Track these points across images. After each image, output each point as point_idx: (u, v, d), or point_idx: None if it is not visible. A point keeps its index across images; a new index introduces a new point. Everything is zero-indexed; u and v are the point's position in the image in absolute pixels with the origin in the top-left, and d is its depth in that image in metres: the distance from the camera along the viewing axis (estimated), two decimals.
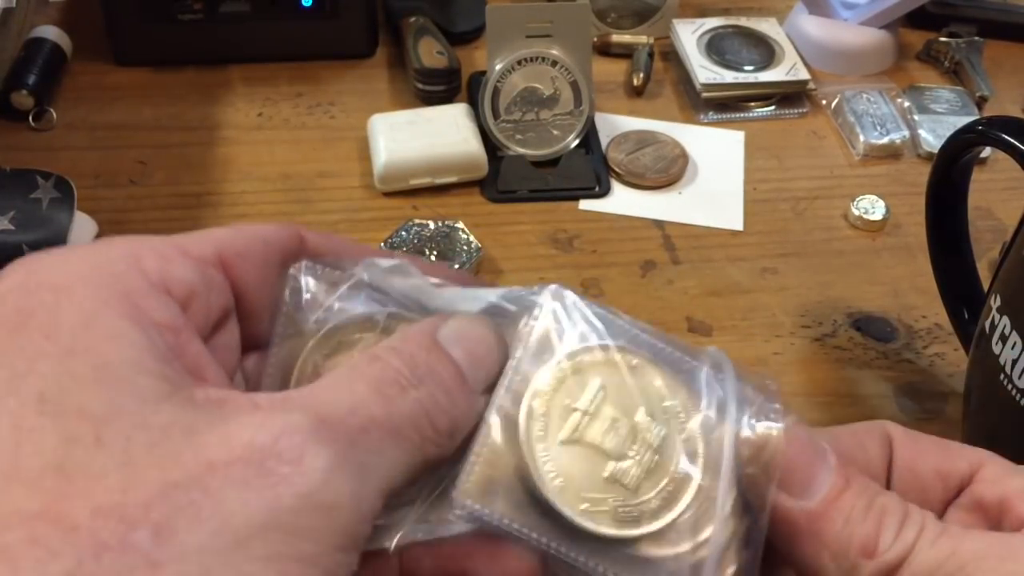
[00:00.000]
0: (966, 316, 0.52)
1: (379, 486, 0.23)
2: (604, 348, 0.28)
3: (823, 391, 0.55)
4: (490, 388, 0.27)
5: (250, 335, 0.28)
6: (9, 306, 0.23)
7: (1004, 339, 0.43)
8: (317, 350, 0.28)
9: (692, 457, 0.27)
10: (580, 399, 0.27)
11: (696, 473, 0.27)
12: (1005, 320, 0.43)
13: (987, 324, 0.45)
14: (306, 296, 0.28)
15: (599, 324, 0.28)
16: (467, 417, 0.26)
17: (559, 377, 0.27)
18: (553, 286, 0.28)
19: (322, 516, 0.21)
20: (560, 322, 0.28)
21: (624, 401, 0.27)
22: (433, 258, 0.60)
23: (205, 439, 0.21)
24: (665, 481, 0.27)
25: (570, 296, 0.28)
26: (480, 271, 0.60)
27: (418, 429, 0.24)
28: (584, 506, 0.26)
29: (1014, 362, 0.42)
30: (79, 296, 0.23)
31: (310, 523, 0.21)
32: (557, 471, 0.26)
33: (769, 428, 0.27)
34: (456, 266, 0.59)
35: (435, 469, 0.26)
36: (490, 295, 0.28)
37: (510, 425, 0.27)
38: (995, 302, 0.44)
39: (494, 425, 0.26)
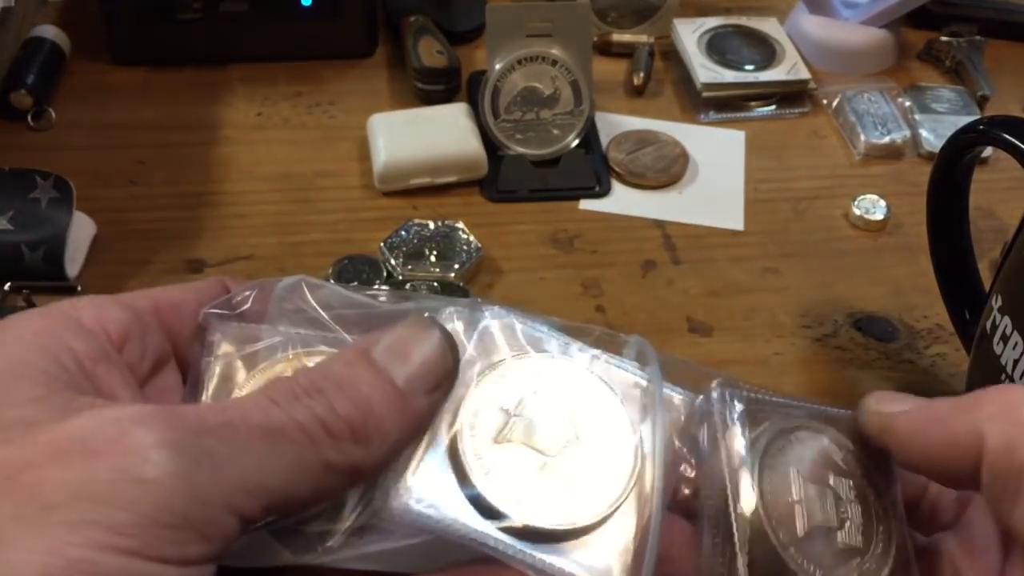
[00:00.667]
0: (967, 316, 0.52)
1: (238, 477, 0.23)
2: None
3: (824, 391, 0.55)
4: (442, 389, 0.27)
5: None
6: None
7: (1005, 339, 0.43)
8: (223, 385, 0.29)
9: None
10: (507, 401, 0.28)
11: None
12: (1006, 320, 0.43)
13: (988, 324, 0.45)
14: (216, 342, 0.29)
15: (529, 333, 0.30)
16: (396, 423, 0.26)
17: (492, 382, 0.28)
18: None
19: (137, 488, 0.22)
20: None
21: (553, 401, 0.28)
22: (433, 258, 0.59)
23: (44, 427, 0.23)
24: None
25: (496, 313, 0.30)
26: (480, 271, 0.60)
27: (307, 433, 0.24)
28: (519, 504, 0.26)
29: (1015, 362, 0.42)
30: (9, 337, 0.26)
31: (124, 494, 0.22)
32: (488, 469, 0.27)
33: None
34: (456, 266, 0.59)
35: (368, 477, 0.26)
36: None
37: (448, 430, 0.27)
38: (996, 302, 0.44)
39: (440, 431, 0.27)
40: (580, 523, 0.26)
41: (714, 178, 0.68)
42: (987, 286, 0.50)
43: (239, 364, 0.29)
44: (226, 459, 0.23)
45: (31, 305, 0.55)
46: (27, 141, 0.69)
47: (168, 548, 0.22)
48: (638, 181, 0.67)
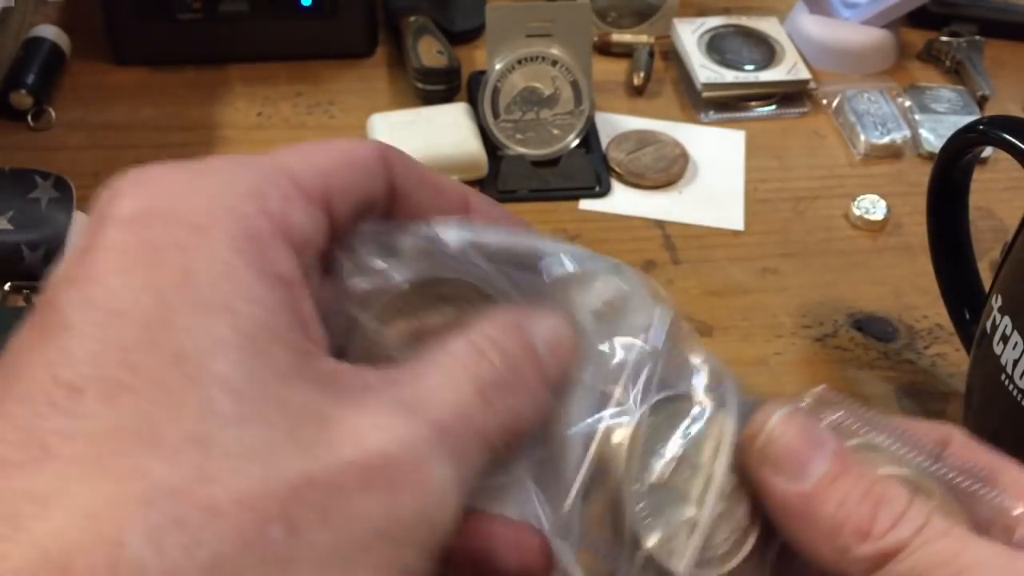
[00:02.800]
0: (967, 316, 0.52)
1: (468, 493, 0.22)
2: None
3: None
4: (558, 390, 0.26)
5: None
6: (137, 235, 0.21)
7: (1005, 339, 0.43)
8: (375, 315, 0.26)
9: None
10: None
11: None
12: (1006, 320, 0.43)
13: (988, 324, 0.45)
14: (364, 260, 0.26)
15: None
16: (539, 422, 0.25)
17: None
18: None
19: (430, 531, 0.21)
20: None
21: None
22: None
23: (338, 432, 0.20)
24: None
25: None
26: None
27: (504, 439, 0.23)
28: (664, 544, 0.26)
29: (1015, 362, 0.42)
30: (215, 241, 0.21)
31: (418, 536, 0.21)
32: (647, 511, 0.26)
33: (767, 414, 0.27)
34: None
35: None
36: (600, 266, 0.28)
37: (610, 452, 0.26)
38: (996, 302, 0.44)
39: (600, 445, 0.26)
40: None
41: (714, 178, 0.68)
42: (987, 286, 0.50)
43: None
44: (469, 480, 0.22)
45: (32, 304, 0.55)
46: (27, 141, 0.69)
47: None
48: (638, 181, 0.67)
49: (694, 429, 0.27)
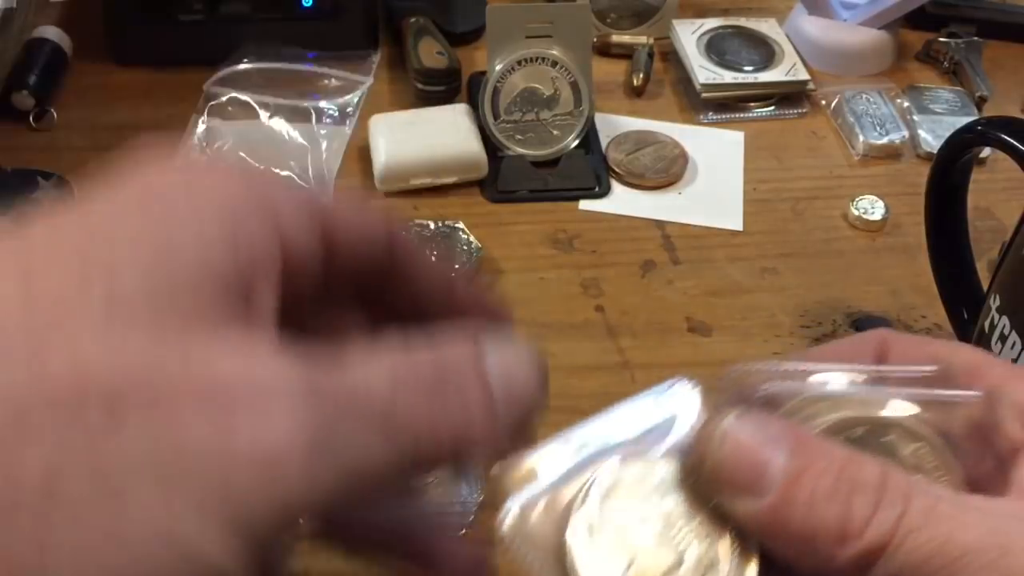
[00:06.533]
0: (965, 316, 0.52)
1: (345, 466, 0.22)
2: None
3: None
4: (520, 424, 0.25)
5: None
6: (141, 186, 0.23)
7: (1004, 339, 0.43)
8: None
9: None
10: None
11: None
12: (1004, 320, 0.43)
13: (986, 324, 0.45)
14: None
15: None
16: (481, 445, 0.24)
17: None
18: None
19: (268, 482, 0.20)
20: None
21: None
22: (433, 258, 0.59)
23: (196, 350, 0.21)
24: None
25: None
26: (480, 271, 0.61)
27: (415, 437, 0.23)
28: None
29: (1014, 362, 0.42)
30: (208, 200, 0.23)
31: (248, 479, 0.20)
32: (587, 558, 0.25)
33: (705, 439, 0.25)
34: (456, 266, 0.59)
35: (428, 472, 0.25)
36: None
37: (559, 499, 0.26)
38: (994, 302, 0.45)
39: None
40: None
41: (713, 178, 0.69)
42: (985, 286, 0.50)
43: None
44: (342, 451, 0.21)
45: None
46: (29, 142, 0.69)
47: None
48: (637, 181, 0.67)
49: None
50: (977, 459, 0.26)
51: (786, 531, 0.23)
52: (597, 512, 0.25)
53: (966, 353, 0.28)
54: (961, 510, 0.23)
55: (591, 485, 0.26)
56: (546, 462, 0.26)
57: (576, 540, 0.25)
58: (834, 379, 0.27)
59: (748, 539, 0.25)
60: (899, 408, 0.26)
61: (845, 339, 0.30)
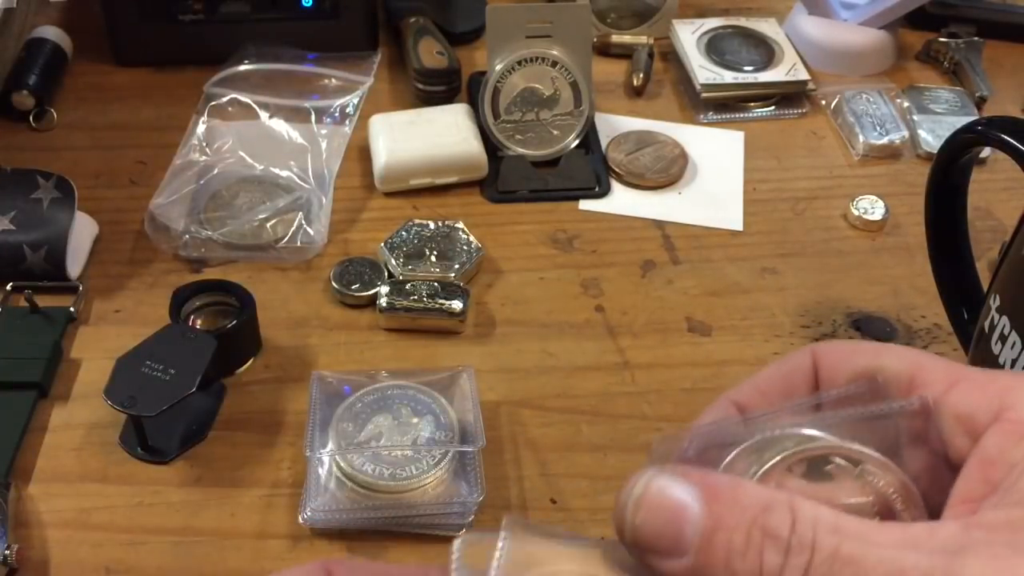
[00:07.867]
0: (965, 316, 0.52)
1: None
2: None
3: None
4: None
5: None
6: None
7: (1004, 339, 0.43)
8: None
9: None
10: None
11: None
12: (1004, 320, 0.43)
13: (986, 324, 0.45)
14: None
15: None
16: None
17: None
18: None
19: None
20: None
21: None
22: (433, 258, 0.60)
23: None
24: None
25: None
26: (480, 271, 0.61)
27: None
28: None
29: (1014, 362, 0.42)
30: None
31: None
32: None
33: (622, 507, 0.25)
34: (456, 266, 0.59)
35: None
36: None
37: None
38: (994, 302, 0.45)
39: None
40: None
41: (713, 178, 0.69)
42: (985, 286, 0.50)
43: None
44: None
45: (33, 305, 0.55)
46: (29, 141, 0.69)
47: None
48: (637, 182, 0.67)
49: None
50: (929, 461, 0.27)
51: None
52: None
53: (897, 356, 0.28)
54: (864, 549, 0.24)
55: None
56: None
57: None
58: (767, 420, 0.28)
59: None
60: (837, 433, 0.27)
61: (773, 364, 0.30)
